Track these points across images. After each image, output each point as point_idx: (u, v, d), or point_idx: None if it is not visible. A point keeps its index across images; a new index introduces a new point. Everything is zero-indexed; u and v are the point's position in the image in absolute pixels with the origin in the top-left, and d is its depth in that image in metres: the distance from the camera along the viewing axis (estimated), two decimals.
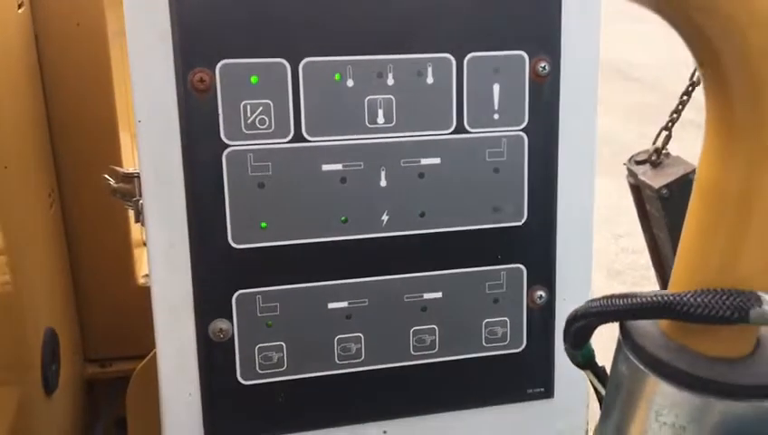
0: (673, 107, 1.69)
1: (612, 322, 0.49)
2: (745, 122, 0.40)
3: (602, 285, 3.40)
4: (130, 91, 0.80)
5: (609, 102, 5.71)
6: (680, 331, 0.47)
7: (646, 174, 1.95)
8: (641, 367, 0.47)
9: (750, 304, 0.42)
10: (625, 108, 5.72)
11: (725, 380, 0.45)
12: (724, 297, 0.43)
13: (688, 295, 0.44)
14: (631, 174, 1.97)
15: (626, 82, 6.39)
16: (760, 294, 0.43)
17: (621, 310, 0.47)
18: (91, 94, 1.35)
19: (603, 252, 3.75)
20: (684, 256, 0.47)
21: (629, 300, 0.47)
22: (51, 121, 1.34)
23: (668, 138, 1.91)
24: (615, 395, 0.51)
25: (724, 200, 0.43)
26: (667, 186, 1.81)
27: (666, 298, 0.45)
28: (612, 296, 0.48)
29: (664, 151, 1.92)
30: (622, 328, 0.50)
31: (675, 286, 0.47)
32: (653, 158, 1.94)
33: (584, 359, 0.56)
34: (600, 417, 0.54)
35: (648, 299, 0.46)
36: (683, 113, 1.70)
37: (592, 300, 0.49)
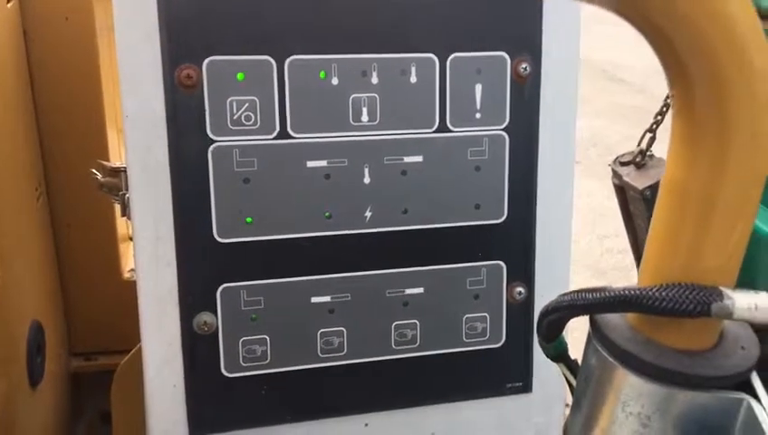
0: (658, 109, 1.71)
1: (582, 315, 0.51)
2: (708, 126, 0.42)
3: (587, 285, 3.43)
4: (118, 85, 0.81)
5: (596, 104, 5.74)
6: (647, 324, 0.49)
7: (630, 175, 1.97)
8: (609, 359, 0.49)
9: (712, 299, 0.44)
10: (611, 109, 5.75)
11: (689, 371, 0.46)
12: (688, 292, 0.45)
13: (654, 290, 0.46)
14: (616, 175, 2.00)
15: (611, 84, 6.43)
16: (722, 289, 0.45)
17: (590, 303, 0.49)
18: (79, 89, 1.35)
19: (588, 252, 3.78)
20: (651, 253, 0.49)
21: (598, 294, 0.48)
22: (38, 115, 1.35)
23: (653, 139, 1.93)
24: (585, 386, 0.52)
25: (688, 200, 0.45)
26: (650, 187, 1.83)
27: (632, 292, 0.46)
28: (582, 290, 0.50)
29: (648, 153, 1.95)
30: (592, 321, 0.51)
31: (642, 281, 0.49)
32: (637, 159, 1.96)
33: (557, 352, 0.58)
34: (570, 408, 0.56)
35: (616, 293, 0.47)
36: (667, 115, 1.72)
37: (564, 294, 0.51)
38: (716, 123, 0.42)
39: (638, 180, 1.96)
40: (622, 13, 0.40)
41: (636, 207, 1.97)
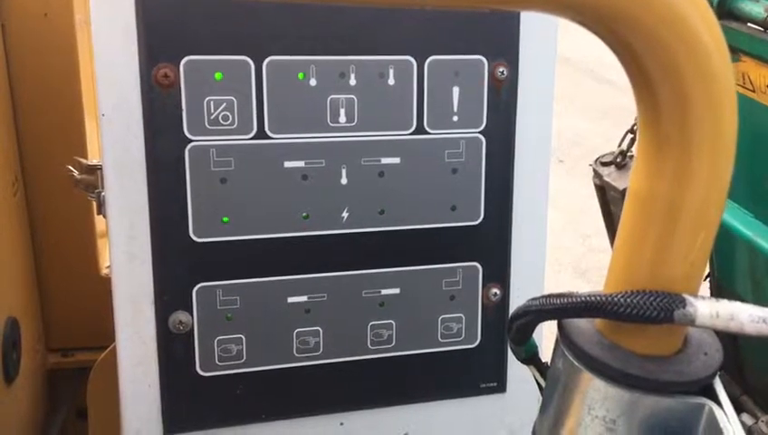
0: None
1: (550, 320, 0.51)
2: (672, 136, 0.43)
3: (569, 284, 3.45)
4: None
5: (580, 103, 5.77)
6: (613, 329, 0.50)
7: (610, 175, 1.99)
8: (576, 363, 0.50)
9: (675, 306, 0.45)
10: (596, 109, 5.78)
11: (653, 376, 0.47)
12: (651, 299, 0.46)
13: (619, 296, 0.46)
14: (597, 175, 2.02)
15: (597, 84, 6.46)
16: (685, 296, 0.46)
17: (558, 308, 0.50)
18: (58, 84, 1.34)
19: (570, 251, 3.80)
20: (617, 259, 0.49)
21: (566, 299, 0.49)
22: (16, 110, 1.34)
23: (633, 141, 1.95)
24: (552, 389, 0.53)
25: (653, 208, 0.45)
26: None
27: (598, 298, 0.47)
28: (551, 296, 0.50)
29: (629, 154, 1.97)
30: (560, 326, 0.52)
31: (609, 287, 0.50)
32: (618, 160, 1.99)
33: (527, 354, 0.59)
34: (539, 410, 0.56)
35: (583, 299, 0.48)
36: None
37: (533, 299, 0.52)
38: (680, 138, 0.42)
39: (618, 181, 1.98)
40: (587, 25, 0.41)
41: (616, 206, 1.99)
